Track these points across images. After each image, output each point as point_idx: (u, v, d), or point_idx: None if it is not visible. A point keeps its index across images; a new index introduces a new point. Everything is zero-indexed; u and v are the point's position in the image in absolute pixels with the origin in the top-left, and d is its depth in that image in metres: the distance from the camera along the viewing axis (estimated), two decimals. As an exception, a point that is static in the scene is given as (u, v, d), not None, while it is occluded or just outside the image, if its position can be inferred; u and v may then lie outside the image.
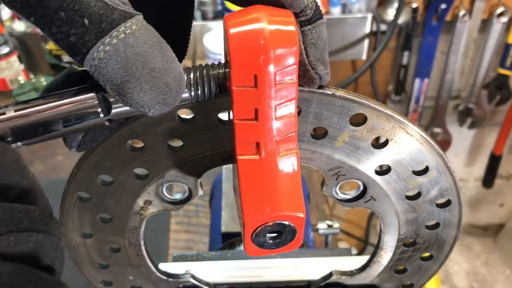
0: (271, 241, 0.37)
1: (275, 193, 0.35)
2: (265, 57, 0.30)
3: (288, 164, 0.34)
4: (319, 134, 0.39)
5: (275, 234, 0.37)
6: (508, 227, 2.24)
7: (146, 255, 0.49)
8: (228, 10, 1.46)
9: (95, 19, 0.25)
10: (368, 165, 0.41)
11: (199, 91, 0.32)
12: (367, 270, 0.51)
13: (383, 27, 1.50)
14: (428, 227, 0.45)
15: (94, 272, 0.50)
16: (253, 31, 0.30)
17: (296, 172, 0.35)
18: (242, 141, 0.34)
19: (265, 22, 0.30)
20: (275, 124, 0.33)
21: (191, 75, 0.32)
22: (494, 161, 1.92)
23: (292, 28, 0.30)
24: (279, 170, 0.33)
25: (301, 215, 0.36)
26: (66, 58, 1.38)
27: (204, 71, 0.32)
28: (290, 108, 0.33)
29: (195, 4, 1.59)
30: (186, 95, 0.32)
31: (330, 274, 0.53)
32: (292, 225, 0.36)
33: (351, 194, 0.44)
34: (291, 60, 0.31)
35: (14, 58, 1.38)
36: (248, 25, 0.30)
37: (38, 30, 1.36)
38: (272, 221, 0.35)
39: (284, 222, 0.36)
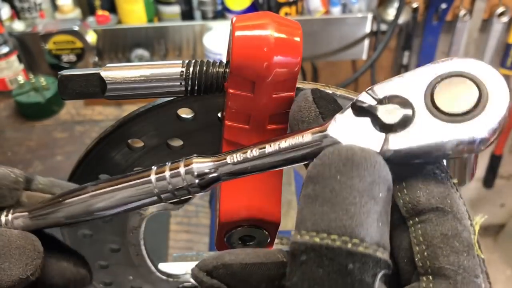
0: (242, 243, 0.38)
1: (254, 198, 0.36)
2: (266, 66, 0.30)
3: (271, 171, 0.35)
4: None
5: (248, 236, 0.38)
6: (508, 227, 2.24)
7: (146, 255, 0.49)
8: (228, 10, 1.46)
9: None
10: (368, 164, 0.40)
11: (196, 86, 0.32)
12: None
13: (384, 27, 1.50)
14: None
15: (94, 272, 0.50)
16: (258, 37, 0.29)
17: (278, 180, 0.36)
18: (230, 142, 0.34)
19: (271, 30, 0.29)
20: (266, 132, 0.33)
21: (190, 68, 0.32)
22: (494, 161, 1.92)
23: (298, 38, 0.30)
24: (261, 176, 0.33)
25: (277, 222, 0.36)
26: (65, 58, 1.38)
27: (204, 68, 0.32)
28: (284, 119, 0.33)
29: (195, 4, 1.59)
30: (182, 88, 0.32)
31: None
32: (265, 231, 0.37)
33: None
34: (292, 71, 0.31)
35: (13, 58, 1.38)
36: (254, 30, 0.30)
37: (37, 29, 1.36)
38: (247, 225, 0.36)
39: (258, 227, 0.36)
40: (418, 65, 1.65)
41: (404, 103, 0.25)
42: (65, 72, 0.33)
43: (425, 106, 0.25)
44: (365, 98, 0.26)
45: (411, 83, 0.26)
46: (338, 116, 0.27)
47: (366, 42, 1.52)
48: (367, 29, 1.49)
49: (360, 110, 0.26)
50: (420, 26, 1.58)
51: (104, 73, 0.32)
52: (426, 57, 1.64)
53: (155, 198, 0.31)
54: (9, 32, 1.38)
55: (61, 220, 0.33)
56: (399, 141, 0.25)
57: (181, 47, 1.48)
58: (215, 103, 0.36)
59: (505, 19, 1.56)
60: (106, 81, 0.32)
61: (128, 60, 1.47)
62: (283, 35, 0.30)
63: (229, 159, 0.29)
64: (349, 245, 0.22)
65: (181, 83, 0.32)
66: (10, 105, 1.38)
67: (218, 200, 0.37)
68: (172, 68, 0.32)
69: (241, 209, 0.36)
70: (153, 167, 0.31)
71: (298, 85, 0.34)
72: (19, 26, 1.41)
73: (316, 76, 1.66)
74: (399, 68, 1.66)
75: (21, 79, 1.35)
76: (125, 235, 0.47)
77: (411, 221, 0.26)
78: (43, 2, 1.46)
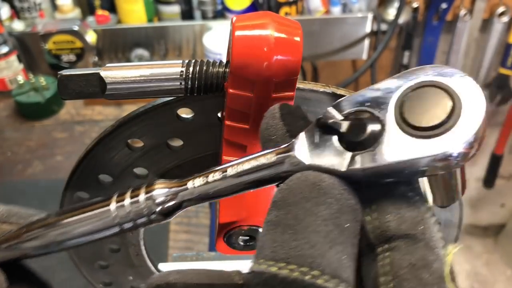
0: (242, 244, 0.38)
1: (254, 199, 0.35)
2: (266, 65, 0.29)
3: None
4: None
5: (247, 237, 0.37)
6: (509, 228, 2.24)
7: (146, 255, 0.49)
8: (228, 10, 1.46)
9: None
10: (369, 165, 0.40)
11: (196, 86, 0.32)
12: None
13: (384, 26, 1.49)
14: (429, 227, 0.45)
15: (94, 272, 0.50)
16: (258, 37, 0.29)
17: None
18: (230, 142, 0.34)
19: (271, 29, 0.29)
20: None
21: (190, 68, 0.32)
22: (495, 161, 1.92)
23: (298, 38, 0.30)
24: None
25: None
26: (65, 58, 1.38)
27: (204, 68, 0.32)
28: None
29: (195, 4, 1.58)
30: (182, 87, 0.32)
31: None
32: None
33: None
34: (292, 71, 0.30)
35: (13, 58, 1.38)
36: (254, 30, 0.30)
37: (37, 29, 1.35)
38: (247, 226, 0.36)
39: (258, 227, 0.36)
40: (419, 65, 1.65)
41: (372, 118, 0.24)
42: (65, 72, 0.33)
43: (395, 121, 0.23)
44: (331, 114, 0.25)
45: (380, 96, 0.24)
46: (302, 134, 0.25)
47: (366, 42, 1.52)
48: (367, 29, 1.48)
49: (325, 127, 0.24)
50: (420, 26, 1.58)
51: (104, 73, 0.32)
52: (426, 57, 1.64)
53: (116, 229, 0.29)
54: (8, 32, 1.38)
55: (27, 252, 0.32)
56: (367, 160, 0.23)
57: (181, 47, 1.48)
58: (215, 103, 0.36)
59: (505, 19, 1.55)
60: (106, 81, 0.32)
61: (128, 60, 1.47)
62: (283, 35, 0.29)
63: (189, 184, 0.28)
64: (307, 277, 0.20)
65: (181, 83, 0.32)
66: (9, 105, 1.38)
67: (218, 201, 0.37)
68: (172, 68, 0.32)
69: (240, 209, 0.36)
70: (114, 194, 0.30)
71: (298, 85, 0.33)
72: (18, 26, 1.41)
73: (316, 76, 1.66)
74: (400, 68, 1.66)
75: (20, 79, 1.35)
76: (125, 235, 0.47)
77: (379, 249, 0.23)
78: (42, 2, 1.46)
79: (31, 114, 1.34)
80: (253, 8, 1.44)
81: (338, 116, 0.24)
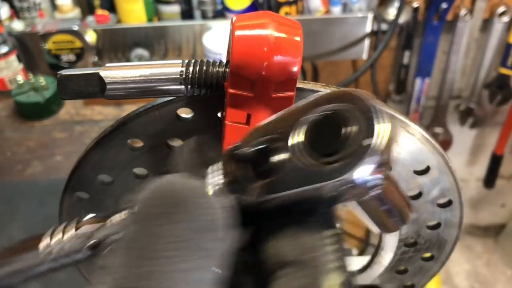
0: None
1: None
2: (266, 65, 0.29)
3: None
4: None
5: None
6: (509, 228, 2.24)
7: (145, 256, 0.49)
8: (228, 10, 1.46)
9: None
10: (369, 165, 0.40)
11: (196, 86, 0.32)
12: (368, 271, 0.51)
13: (384, 26, 1.49)
14: (429, 227, 0.45)
15: (94, 272, 0.50)
16: (258, 37, 0.29)
17: None
18: (230, 142, 0.34)
19: (271, 29, 0.29)
20: None
21: (190, 68, 0.32)
22: (495, 161, 1.92)
23: (298, 38, 0.30)
24: None
25: None
26: (65, 57, 1.38)
27: (204, 67, 0.32)
28: None
29: (195, 4, 1.58)
30: (182, 87, 0.32)
31: (331, 275, 0.53)
32: None
33: (352, 194, 0.44)
34: (292, 71, 0.30)
35: (13, 58, 1.37)
36: (254, 30, 0.30)
37: (37, 29, 1.35)
38: None
39: None
40: (419, 64, 1.65)
41: (280, 146, 0.24)
42: (65, 72, 0.33)
43: (302, 149, 0.23)
44: (244, 145, 0.25)
45: (288, 125, 0.24)
46: (214, 166, 0.25)
47: (367, 41, 1.52)
48: (368, 28, 1.48)
49: (236, 158, 0.25)
50: (420, 26, 1.58)
51: (104, 73, 0.32)
52: (426, 57, 1.64)
53: (52, 264, 0.30)
54: (8, 32, 1.38)
55: None
56: (274, 188, 0.23)
57: (181, 47, 1.48)
58: (215, 103, 0.36)
59: (505, 18, 1.55)
60: (106, 81, 0.32)
61: (128, 60, 1.47)
62: (283, 35, 0.29)
63: (108, 222, 0.28)
64: None
65: (181, 83, 0.32)
66: (9, 105, 1.38)
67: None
68: (172, 67, 0.32)
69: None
70: (49, 230, 0.30)
71: (298, 85, 0.33)
72: (18, 25, 1.41)
73: (316, 76, 1.66)
74: (400, 68, 1.66)
75: (20, 79, 1.35)
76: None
77: (274, 275, 0.22)
78: (42, 1, 1.46)
79: (30, 114, 1.33)
80: (253, 8, 1.44)
81: (250, 146, 0.25)
